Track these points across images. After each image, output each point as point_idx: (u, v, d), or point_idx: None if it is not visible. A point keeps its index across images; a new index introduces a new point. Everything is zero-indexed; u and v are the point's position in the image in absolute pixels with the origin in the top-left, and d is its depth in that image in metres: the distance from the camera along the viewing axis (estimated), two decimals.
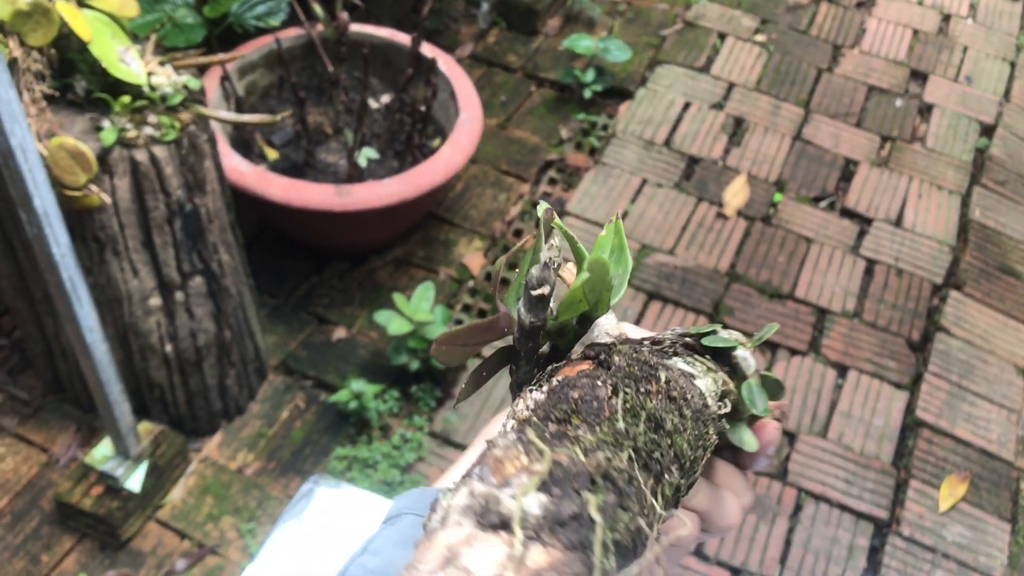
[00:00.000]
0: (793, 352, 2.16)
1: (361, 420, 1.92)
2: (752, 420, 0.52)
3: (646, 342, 0.49)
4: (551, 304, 0.47)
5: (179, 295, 1.69)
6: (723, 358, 0.50)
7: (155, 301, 1.67)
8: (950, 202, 2.54)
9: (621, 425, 0.40)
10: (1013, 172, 2.66)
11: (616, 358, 0.45)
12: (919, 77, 2.88)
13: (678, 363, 0.47)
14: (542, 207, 0.48)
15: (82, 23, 1.44)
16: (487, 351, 0.52)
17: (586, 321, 0.49)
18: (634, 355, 0.45)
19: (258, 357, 1.94)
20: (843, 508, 1.92)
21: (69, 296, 1.42)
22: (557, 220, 0.47)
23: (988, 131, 2.75)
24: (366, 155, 2.09)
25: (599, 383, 0.42)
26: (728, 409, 0.48)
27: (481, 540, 0.33)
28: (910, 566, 1.85)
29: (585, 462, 0.37)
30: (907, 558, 1.86)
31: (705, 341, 0.50)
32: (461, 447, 1.94)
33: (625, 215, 2.39)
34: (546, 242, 0.46)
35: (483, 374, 0.51)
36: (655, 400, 0.43)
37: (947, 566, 1.86)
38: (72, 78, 1.52)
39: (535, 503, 0.34)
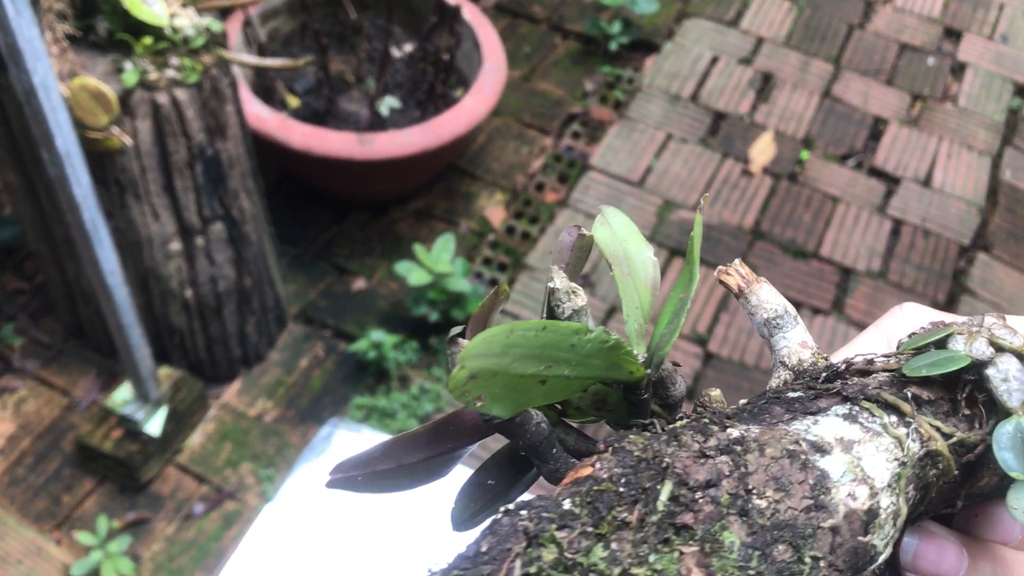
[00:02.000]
0: (816, 311, 2.14)
1: (380, 370, 1.92)
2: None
3: (775, 394, 0.33)
4: None
5: (199, 240, 1.68)
6: (958, 389, 0.32)
7: (175, 246, 1.67)
8: (980, 163, 2.50)
9: None
10: None
11: (612, 465, 0.29)
12: (952, 35, 2.82)
13: (812, 431, 0.30)
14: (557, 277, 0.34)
15: None
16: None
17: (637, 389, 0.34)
18: (682, 443, 0.29)
19: (278, 305, 1.94)
20: None
21: (91, 238, 1.41)
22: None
23: (1022, 91, 2.70)
24: (388, 104, 2.07)
25: (576, 532, 0.27)
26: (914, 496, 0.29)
27: None
28: None
29: None
30: None
31: (907, 370, 0.31)
32: None
33: (649, 171, 2.36)
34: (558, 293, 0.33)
35: (489, 482, 0.36)
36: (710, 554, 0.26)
37: None
38: (94, 19, 1.50)
39: None
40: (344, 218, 2.18)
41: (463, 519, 0.36)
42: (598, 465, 0.28)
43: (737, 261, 0.39)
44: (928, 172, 2.45)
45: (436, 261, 1.91)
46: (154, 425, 1.74)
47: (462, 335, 0.32)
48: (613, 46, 2.58)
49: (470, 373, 0.28)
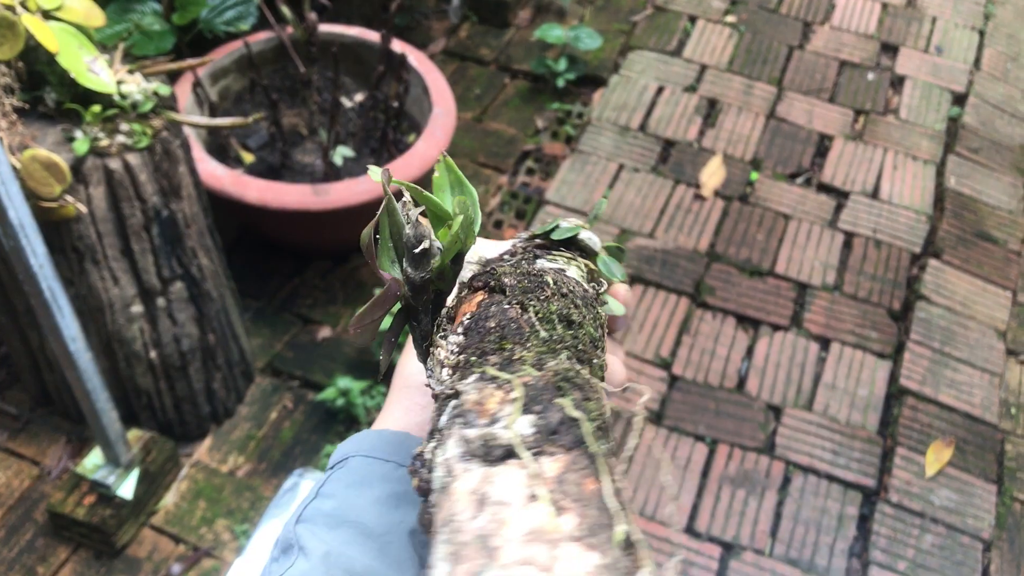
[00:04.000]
0: (775, 328, 2.18)
1: (349, 417, 1.93)
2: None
3: (507, 255, 0.54)
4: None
5: (160, 301, 1.70)
6: (572, 246, 0.56)
7: (137, 308, 1.68)
8: (925, 172, 2.56)
9: (544, 334, 0.44)
10: (986, 139, 2.68)
11: (505, 280, 0.48)
12: (890, 50, 2.90)
13: (544, 263, 0.52)
14: (375, 172, 0.51)
15: (48, 35, 1.44)
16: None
17: (459, 258, 0.51)
18: (517, 271, 0.50)
19: (244, 360, 1.95)
20: (831, 478, 1.94)
21: (50, 307, 1.42)
22: (396, 181, 0.51)
23: (960, 100, 2.77)
24: (341, 153, 2.10)
25: (506, 306, 0.46)
26: (603, 287, 0.53)
27: (498, 474, 0.35)
28: (899, 532, 1.88)
29: (543, 375, 0.39)
30: (896, 524, 1.89)
31: (554, 236, 0.56)
32: None
33: (606, 197, 2.40)
34: (398, 202, 0.49)
35: (392, 339, 0.53)
36: (555, 302, 0.47)
37: (936, 530, 1.89)
38: (42, 90, 1.53)
39: (526, 424, 0.37)
40: (305, 268, 2.20)
41: (383, 368, 0.53)
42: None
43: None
44: (875, 184, 2.51)
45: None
46: (126, 488, 1.74)
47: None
48: (561, 83, 2.64)
49: None
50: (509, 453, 0.35)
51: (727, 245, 2.33)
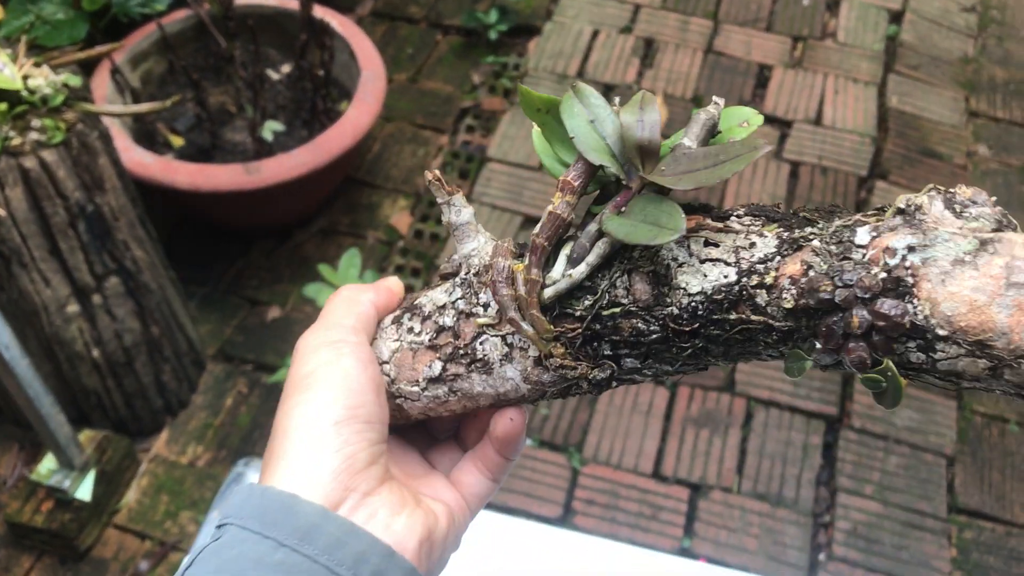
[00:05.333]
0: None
1: None
2: None
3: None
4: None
5: (96, 298, 1.65)
6: None
7: (73, 308, 1.64)
8: (867, 93, 2.55)
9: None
10: (925, 55, 2.67)
11: None
12: None
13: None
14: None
15: None
16: None
17: None
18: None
19: (192, 348, 1.91)
20: (793, 410, 1.94)
21: None
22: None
23: (897, 18, 2.76)
24: (270, 128, 2.05)
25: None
26: None
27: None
28: (864, 456, 1.89)
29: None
30: (861, 449, 1.90)
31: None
32: None
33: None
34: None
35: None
36: None
37: (900, 451, 1.90)
38: None
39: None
40: (249, 249, 2.16)
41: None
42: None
43: (437, 172, 0.50)
44: (818, 111, 2.49)
45: (344, 278, 1.89)
46: (84, 490, 1.71)
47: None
48: (493, 35, 2.58)
49: None
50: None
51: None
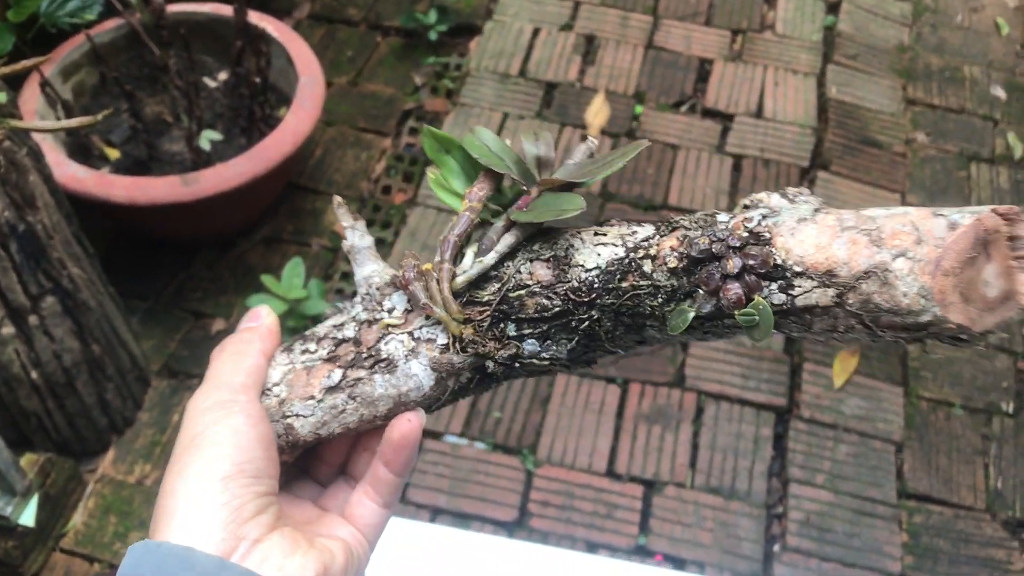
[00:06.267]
0: None
1: None
2: None
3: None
4: None
5: (33, 319, 1.61)
6: None
7: (8, 330, 1.59)
8: (806, 84, 2.57)
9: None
10: (863, 44, 2.70)
11: None
12: None
13: None
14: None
15: None
16: None
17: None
18: None
19: (136, 365, 1.88)
20: (743, 403, 1.96)
21: None
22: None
23: (834, 8, 2.79)
24: (208, 137, 2.01)
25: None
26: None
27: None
28: (814, 446, 1.91)
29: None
30: (811, 439, 1.92)
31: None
32: None
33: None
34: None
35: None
36: None
37: (849, 439, 1.92)
38: None
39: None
40: (191, 261, 2.12)
41: None
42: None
43: (340, 198, 0.58)
44: (759, 103, 2.51)
45: (288, 288, 1.87)
46: (27, 516, 1.67)
47: None
48: (433, 36, 2.57)
49: None
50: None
51: (619, 183, 2.31)
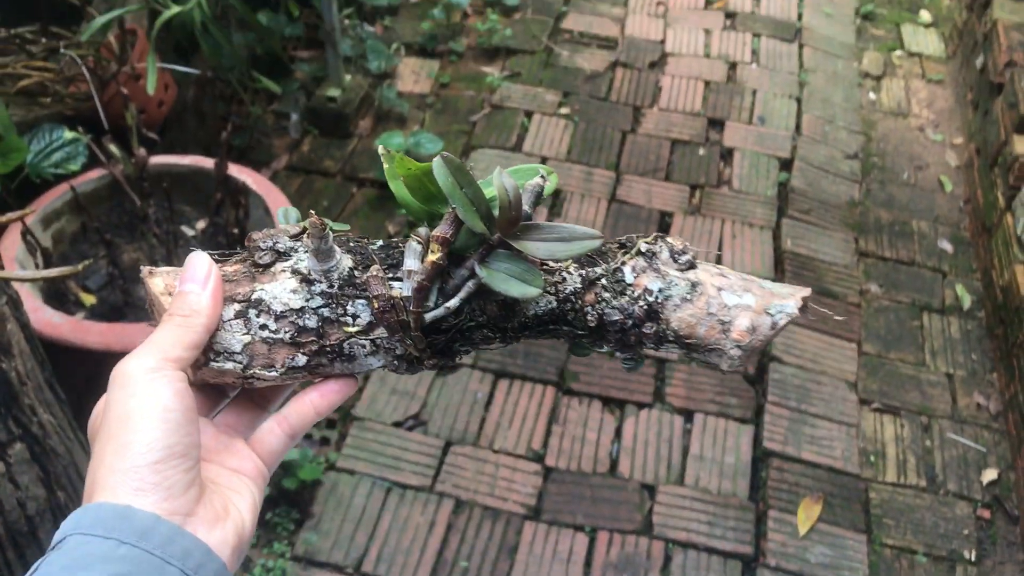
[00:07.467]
0: (640, 406, 2.22)
1: None
2: None
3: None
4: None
5: None
6: None
7: None
8: (762, 237, 2.69)
9: None
10: (815, 200, 2.84)
11: None
12: (716, 125, 3.05)
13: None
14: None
15: None
16: None
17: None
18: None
19: None
20: (710, 551, 1.97)
21: None
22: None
23: (786, 165, 2.94)
24: None
25: None
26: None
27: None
28: None
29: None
30: None
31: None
32: (327, 566, 1.90)
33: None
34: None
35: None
36: None
37: None
38: None
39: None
40: None
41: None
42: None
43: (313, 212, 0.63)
44: (717, 254, 2.61)
45: (263, 497, 1.88)
46: None
47: None
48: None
49: None
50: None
51: None
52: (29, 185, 2.14)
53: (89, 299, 2.09)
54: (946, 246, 2.75)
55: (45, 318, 1.87)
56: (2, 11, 2.34)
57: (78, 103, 2.26)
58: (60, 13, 2.42)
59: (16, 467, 1.63)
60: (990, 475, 2.17)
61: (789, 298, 0.61)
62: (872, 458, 2.18)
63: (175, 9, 2.24)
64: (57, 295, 2.08)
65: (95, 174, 2.20)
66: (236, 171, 2.20)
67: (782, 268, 2.60)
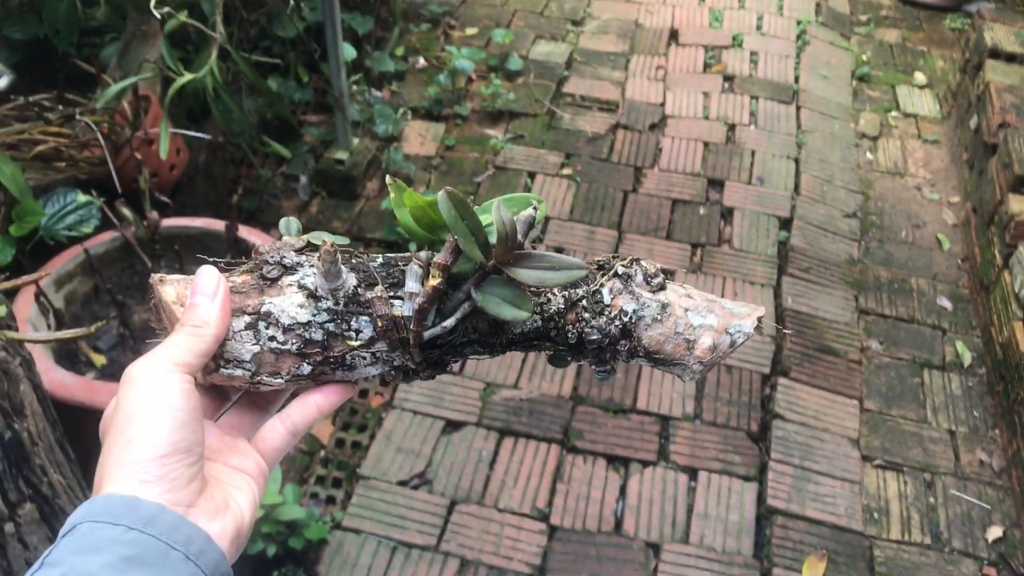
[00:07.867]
0: (645, 463, 2.24)
1: None
2: None
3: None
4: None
5: (9, 527, 1.62)
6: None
7: None
8: (763, 295, 2.72)
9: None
10: (814, 258, 2.88)
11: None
12: (716, 185, 3.11)
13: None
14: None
15: None
16: None
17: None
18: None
19: None
20: None
21: None
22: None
23: (786, 224, 2.98)
24: None
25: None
26: None
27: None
28: None
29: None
30: None
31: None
32: None
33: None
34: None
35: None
36: None
37: None
38: None
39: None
40: None
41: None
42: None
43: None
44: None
45: (264, 493, 1.90)
46: None
47: None
48: (413, 247, 2.71)
49: None
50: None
51: (589, 387, 2.40)
52: (43, 247, 2.19)
53: (100, 359, 2.12)
54: (945, 303, 2.78)
55: (57, 378, 1.90)
56: (21, 78, 2.42)
57: (92, 167, 2.31)
58: (76, 80, 2.49)
59: (25, 527, 1.65)
60: (995, 532, 2.17)
61: (747, 318, 0.67)
62: (876, 515, 2.19)
63: (188, 76, 2.30)
64: (68, 355, 2.11)
65: (107, 236, 2.25)
66: (246, 232, 2.24)
67: (784, 325, 2.63)
